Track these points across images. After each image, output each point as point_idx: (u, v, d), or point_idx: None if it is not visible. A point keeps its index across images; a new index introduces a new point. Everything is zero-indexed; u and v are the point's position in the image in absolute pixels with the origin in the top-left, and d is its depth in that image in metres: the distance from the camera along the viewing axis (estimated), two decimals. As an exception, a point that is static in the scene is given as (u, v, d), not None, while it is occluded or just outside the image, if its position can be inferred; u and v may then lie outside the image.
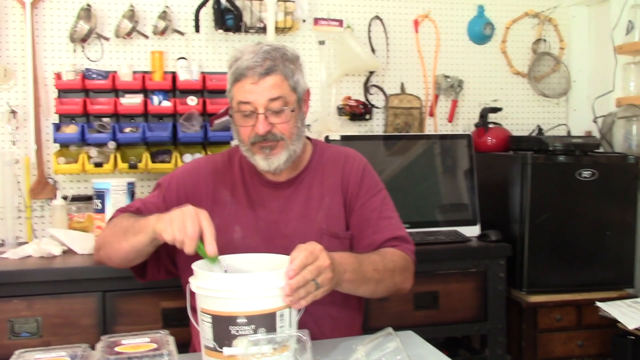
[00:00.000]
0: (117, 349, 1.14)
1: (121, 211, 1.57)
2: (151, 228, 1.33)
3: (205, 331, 1.21)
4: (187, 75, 2.71)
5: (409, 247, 1.58)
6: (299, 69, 1.53)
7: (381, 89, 3.07)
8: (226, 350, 1.15)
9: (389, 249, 1.54)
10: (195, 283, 1.22)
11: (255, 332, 1.16)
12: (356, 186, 1.61)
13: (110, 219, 1.56)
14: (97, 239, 1.56)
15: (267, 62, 1.45)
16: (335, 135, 2.66)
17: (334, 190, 1.60)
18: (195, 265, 1.27)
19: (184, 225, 1.26)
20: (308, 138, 1.68)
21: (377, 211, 1.59)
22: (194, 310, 1.61)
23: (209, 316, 1.19)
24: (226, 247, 1.37)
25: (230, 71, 1.50)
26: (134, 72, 2.69)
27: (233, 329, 1.16)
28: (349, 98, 2.99)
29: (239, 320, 1.16)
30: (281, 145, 1.50)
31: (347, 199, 1.61)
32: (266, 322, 1.18)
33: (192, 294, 1.54)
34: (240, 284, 1.18)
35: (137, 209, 1.55)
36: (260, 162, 1.51)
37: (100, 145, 2.59)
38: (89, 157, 2.57)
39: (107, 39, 2.73)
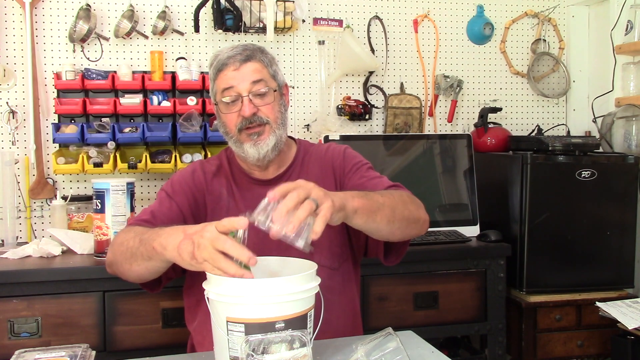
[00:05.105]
0: None
1: (131, 224, 1.52)
2: (164, 256, 1.27)
3: (234, 341, 1.15)
4: (187, 75, 2.71)
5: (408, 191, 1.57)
6: (277, 65, 1.63)
7: (381, 89, 3.07)
8: (267, 358, 1.10)
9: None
10: (219, 290, 1.17)
11: (290, 335, 1.13)
12: (341, 166, 1.66)
13: (119, 234, 1.50)
14: (108, 254, 1.52)
15: (246, 52, 1.56)
16: (334, 135, 2.65)
17: (320, 181, 1.57)
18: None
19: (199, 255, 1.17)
20: (291, 138, 1.73)
21: (365, 177, 1.62)
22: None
23: (241, 325, 1.14)
24: None
25: (211, 68, 1.59)
26: (134, 72, 2.69)
27: (270, 335, 1.12)
28: (348, 98, 2.99)
29: (277, 326, 1.14)
30: (268, 130, 1.55)
31: (336, 181, 1.65)
32: (300, 324, 1.17)
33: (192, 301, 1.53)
34: (279, 287, 1.15)
35: (147, 222, 1.50)
36: (250, 150, 1.55)
37: (100, 145, 2.59)
38: (89, 157, 2.56)
39: (106, 39, 2.73)
